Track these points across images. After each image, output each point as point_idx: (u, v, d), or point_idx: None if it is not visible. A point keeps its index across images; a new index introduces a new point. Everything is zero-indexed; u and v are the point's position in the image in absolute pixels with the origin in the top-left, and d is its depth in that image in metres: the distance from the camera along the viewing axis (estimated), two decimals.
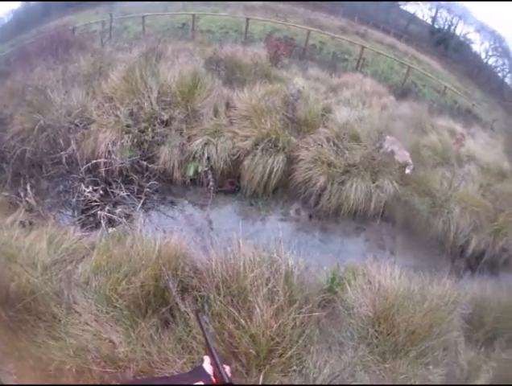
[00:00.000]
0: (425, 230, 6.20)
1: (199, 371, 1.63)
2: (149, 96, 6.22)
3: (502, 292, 5.07)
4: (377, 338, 3.85)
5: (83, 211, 5.53)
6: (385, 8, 14.36)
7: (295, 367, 3.45)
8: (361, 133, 6.62)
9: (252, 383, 3.22)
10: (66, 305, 3.71)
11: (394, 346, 3.82)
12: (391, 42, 13.49)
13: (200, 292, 3.77)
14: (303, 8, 13.19)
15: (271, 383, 3.23)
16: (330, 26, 12.74)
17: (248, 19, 10.54)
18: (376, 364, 3.72)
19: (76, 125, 6.14)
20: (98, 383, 3.25)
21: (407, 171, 6.44)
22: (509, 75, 13.44)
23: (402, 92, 10.60)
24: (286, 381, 3.37)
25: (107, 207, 5.49)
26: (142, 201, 5.66)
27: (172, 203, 5.92)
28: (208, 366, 1.65)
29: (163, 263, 3.78)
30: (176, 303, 3.68)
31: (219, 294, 3.57)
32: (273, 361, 3.37)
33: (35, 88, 6.58)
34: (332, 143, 6.38)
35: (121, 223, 5.16)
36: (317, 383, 3.42)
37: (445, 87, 11.86)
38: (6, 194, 5.67)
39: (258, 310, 3.43)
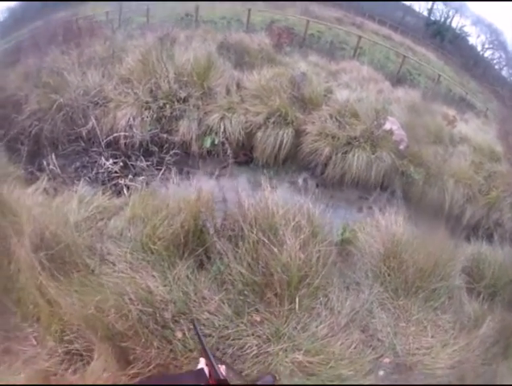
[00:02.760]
0: (421, 198, 6.98)
1: (200, 374, 1.87)
2: (167, 76, 6.87)
3: (498, 252, 5.76)
4: (389, 275, 4.52)
5: (103, 183, 6.00)
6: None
7: (321, 299, 4.07)
8: (359, 111, 7.40)
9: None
10: (99, 256, 4.02)
11: (404, 283, 4.48)
12: (387, 33, 14.42)
13: (234, 231, 4.36)
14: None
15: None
16: (327, 17, 13.57)
17: (250, 9, 11.36)
18: (390, 302, 4.37)
19: (96, 103, 6.74)
20: (136, 324, 3.42)
21: (401, 147, 7.28)
22: (505, 68, 14.42)
23: (398, 80, 11.57)
24: (314, 313, 3.95)
25: (129, 176, 6.08)
26: (161, 171, 6.24)
27: (188, 173, 6.50)
28: (203, 366, 1.92)
29: (201, 205, 4.34)
30: (213, 242, 4.20)
31: (252, 230, 4.15)
32: (302, 291, 3.96)
33: (51, 71, 7.09)
34: (334, 119, 7.18)
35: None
36: (341, 317, 4.01)
37: (439, 75, 12.72)
38: (23, 171, 5.98)
39: (287, 241, 4.02)
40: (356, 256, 4.83)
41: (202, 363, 1.94)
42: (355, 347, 3.83)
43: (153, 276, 3.85)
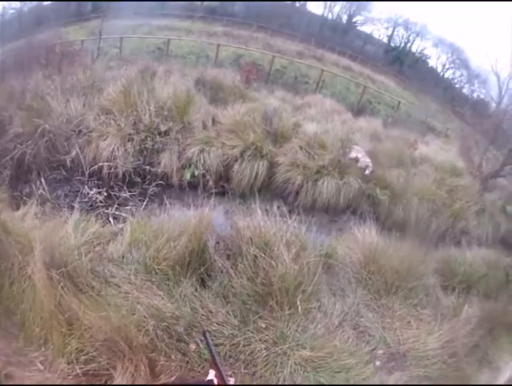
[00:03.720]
0: (388, 216, 7.98)
1: (210, 384, 2.02)
2: (149, 109, 7.44)
3: (466, 254, 7.02)
4: (369, 279, 5.50)
5: (87, 212, 6.14)
6: (341, 30, 16.34)
7: (314, 303, 4.93)
8: (326, 142, 8.38)
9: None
10: (103, 279, 4.46)
11: (385, 284, 5.45)
12: (346, 64, 15.52)
13: (231, 250, 5.18)
14: (263, 34, 15.10)
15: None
16: (288, 51, 14.70)
17: (218, 45, 12.42)
18: (374, 302, 5.32)
19: (79, 132, 7.14)
20: (155, 338, 3.84)
21: (367, 172, 8.33)
22: (466, 85, 15.64)
23: (359, 110, 12.74)
24: (310, 316, 4.77)
25: (115, 205, 6.62)
26: (145, 202, 6.81)
27: (171, 204, 6.43)
28: (213, 378, 2.06)
29: (203, 227, 5.09)
30: (214, 260, 4.98)
31: (249, 247, 4.98)
32: (299, 297, 4.78)
33: (35, 94, 7.44)
34: (304, 150, 8.09)
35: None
36: (334, 318, 4.89)
37: (399, 102, 13.98)
38: (6, 195, 6.19)
39: (282, 255, 4.91)
40: (337, 267, 5.79)
41: (211, 375, 2.17)
42: (351, 342, 4.69)
43: (159, 295, 4.45)
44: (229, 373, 2.46)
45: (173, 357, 3.92)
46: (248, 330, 4.43)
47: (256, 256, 4.96)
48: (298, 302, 4.78)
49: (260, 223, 5.41)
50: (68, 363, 3.62)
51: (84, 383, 3.55)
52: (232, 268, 4.98)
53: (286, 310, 4.68)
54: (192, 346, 4.06)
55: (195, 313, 4.41)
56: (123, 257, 4.93)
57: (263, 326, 4.52)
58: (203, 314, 4.43)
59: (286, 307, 4.70)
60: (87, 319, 3.79)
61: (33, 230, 4.87)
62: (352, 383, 4.24)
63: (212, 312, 4.49)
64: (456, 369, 4.81)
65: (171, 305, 4.35)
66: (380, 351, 4.78)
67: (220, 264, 5.03)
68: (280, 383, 4.07)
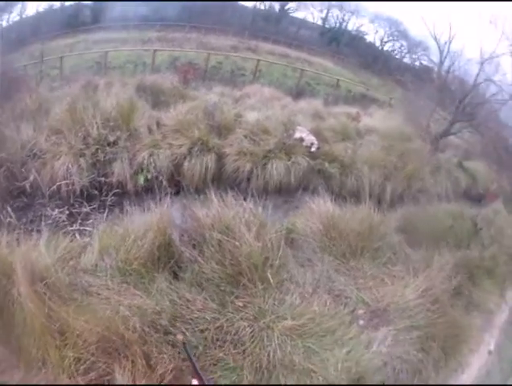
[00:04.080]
0: (341, 187, 8.45)
1: None
2: (96, 123, 7.52)
3: (427, 210, 7.46)
4: (333, 245, 5.84)
5: (54, 233, 5.95)
6: (274, 19, 16.54)
7: (285, 275, 5.24)
8: (269, 127, 8.79)
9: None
10: (83, 290, 4.55)
11: (349, 247, 5.83)
12: (282, 51, 15.82)
13: (196, 240, 5.43)
14: (196, 33, 15.22)
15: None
16: (222, 47, 15.00)
17: (155, 50, 12.67)
18: (343, 266, 5.68)
19: (34, 155, 7.16)
20: (143, 334, 3.98)
21: (313, 149, 8.78)
22: (407, 55, 16.17)
23: (298, 93, 13.15)
24: (284, 288, 5.07)
25: (79, 221, 6.70)
26: (105, 213, 6.93)
27: (130, 211, 6.49)
28: None
29: (165, 221, 5.33)
30: (182, 252, 5.24)
31: (212, 233, 5.27)
32: (268, 271, 5.08)
33: None
34: (249, 138, 8.45)
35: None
36: (307, 286, 5.22)
37: (338, 80, 14.51)
38: None
39: (244, 235, 5.20)
40: (300, 239, 6.15)
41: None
42: (329, 306, 5.04)
43: (137, 295, 4.63)
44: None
45: (164, 349, 4.08)
46: (228, 312, 4.67)
47: (220, 241, 5.24)
48: (269, 276, 5.06)
49: (218, 209, 5.73)
50: (70, 378, 3.74)
51: (84, 384, 3.69)
52: (199, 255, 5.23)
53: (259, 286, 4.97)
54: (180, 337, 4.26)
55: (174, 304, 4.61)
56: (96, 266, 5.08)
57: (241, 304, 4.78)
58: (182, 304, 4.64)
59: (258, 283, 4.99)
60: (77, 324, 3.94)
61: (10, 255, 4.84)
62: (340, 343, 4.54)
63: (190, 301, 4.70)
64: (442, 314, 5.16)
65: (150, 301, 4.54)
66: (360, 311, 5.12)
67: (188, 255, 5.29)
68: (272, 353, 4.27)
